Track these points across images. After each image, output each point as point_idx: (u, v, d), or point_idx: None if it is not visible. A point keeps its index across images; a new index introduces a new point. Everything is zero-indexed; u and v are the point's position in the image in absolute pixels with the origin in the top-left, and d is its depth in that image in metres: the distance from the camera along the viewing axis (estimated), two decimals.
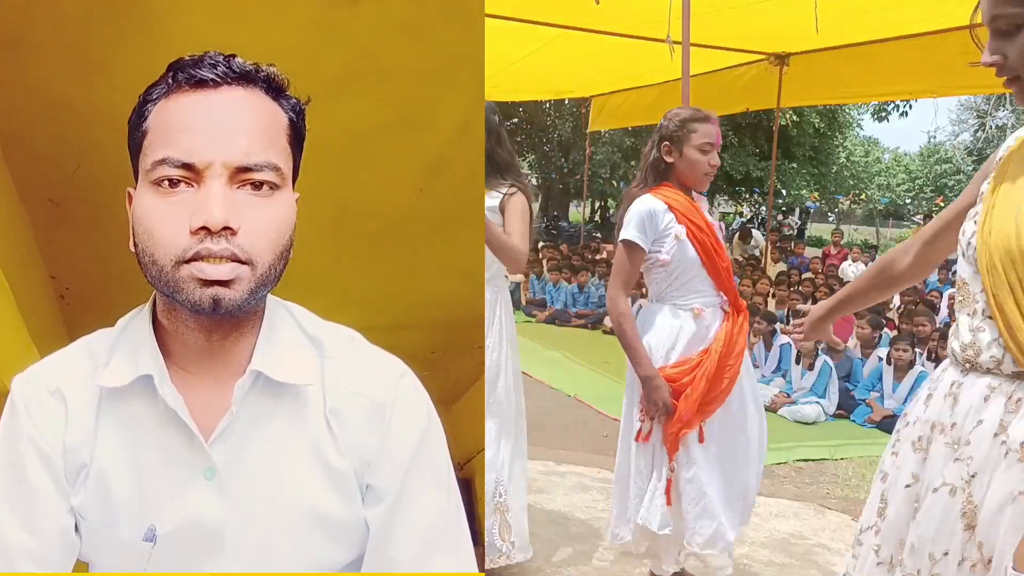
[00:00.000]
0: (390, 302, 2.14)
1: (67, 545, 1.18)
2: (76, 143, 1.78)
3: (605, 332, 8.64)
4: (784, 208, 26.06)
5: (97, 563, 1.22)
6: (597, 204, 23.34)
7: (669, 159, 2.61)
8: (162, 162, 1.10)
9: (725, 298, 2.66)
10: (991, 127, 24.10)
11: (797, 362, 6.19)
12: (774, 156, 10.08)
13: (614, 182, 19.95)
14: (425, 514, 1.26)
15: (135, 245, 1.14)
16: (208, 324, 1.16)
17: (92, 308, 1.77)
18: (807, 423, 5.67)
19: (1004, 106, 21.23)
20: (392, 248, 2.06)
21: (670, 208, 2.57)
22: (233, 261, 1.09)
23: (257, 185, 1.12)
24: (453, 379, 2.38)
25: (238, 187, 1.11)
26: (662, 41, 5.27)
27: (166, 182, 1.10)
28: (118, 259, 1.64)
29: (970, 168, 30.10)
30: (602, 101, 10.97)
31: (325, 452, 1.21)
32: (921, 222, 34.11)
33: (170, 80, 1.14)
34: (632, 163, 18.77)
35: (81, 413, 1.19)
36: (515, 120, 17.49)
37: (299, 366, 1.22)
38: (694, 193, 2.66)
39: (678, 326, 2.60)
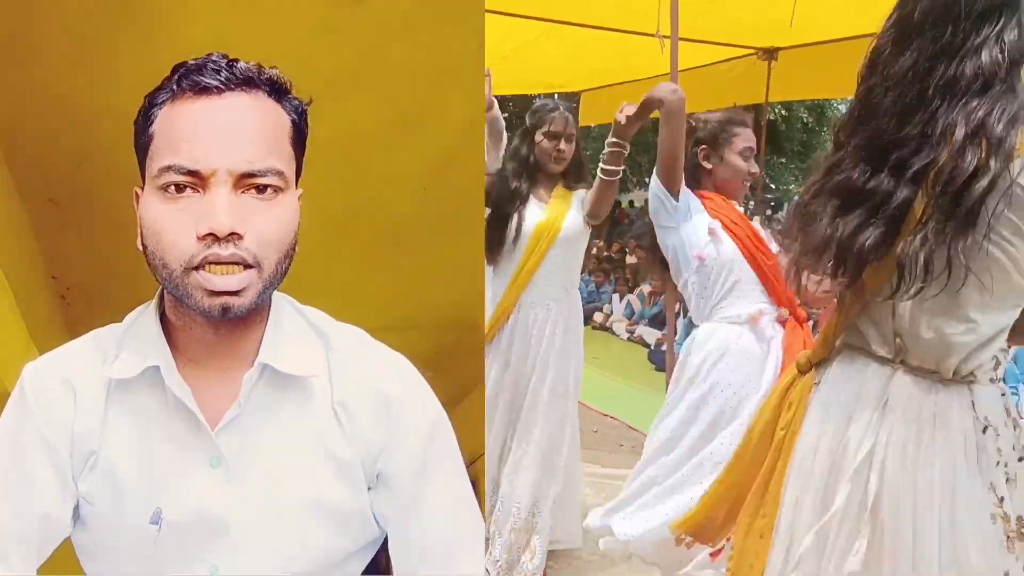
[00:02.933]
0: (394, 302, 2.13)
1: (49, 533, 1.22)
2: (77, 143, 1.78)
3: (594, 328, 8.64)
4: (773, 203, 26.15)
5: (104, 549, 1.25)
6: None
7: (707, 164, 2.41)
8: (168, 169, 1.13)
9: (778, 308, 2.25)
10: None
11: None
12: (762, 151, 10.06)
13: None
14: (449, 503, 1.30)
15: (144, 247, 1.17)
16: (216, 321, 1.19)
17: (93, 308, 1.76)
18: None
19: None
20: (396, 248, 2.06)
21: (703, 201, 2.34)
22: (242, 267, 1.13)
23: (261, 189, 1.15)
24: (456, 380, 2.37)
25: (243, 192, 1.14)
26: (651, 35, 5.26)
27: (172, 187, 1.13)
28: (119, 259, 1.64)
29: None
30: (592, 96, 10.94)
31: (332, 443, 1.24)
32: None
33: (175, 86, 1.17)
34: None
35: (90, 402, 1.22)
36: (505, 115, 17.49)
37: (305, 358, 1.26)
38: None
39: (731, 336, 2.23)
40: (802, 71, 7.86)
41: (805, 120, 19.75)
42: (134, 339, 1.24)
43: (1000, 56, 1.25)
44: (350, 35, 1.69)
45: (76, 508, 1.24)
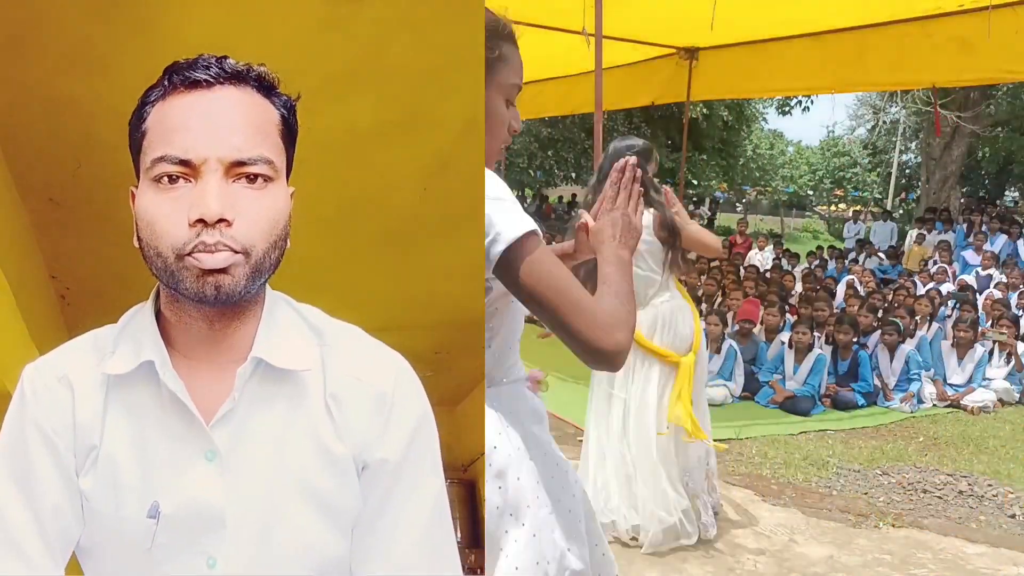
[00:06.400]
0: (394, 302, 2.13)
1: (62, 525, 1.22)
2: (76, 142, 1.77)
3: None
4: (695, 198, 26.70)
5: (101, 546, 1.24)
6: (515, 194, 23.38)
7: None
8: (161, 159, 1.15)
9: None
10: (884, 122, 24.90)
11: (705, 347, 6.35)
12: (684, 148, 10.22)
13: (531, 172, 19.95)
14: (424, 499, 1.31)
15: (139, 240, 1.19)
16: (210, 313, 1.21)
17: (92, 308, 1.76)
18: (715, 404, 5.67)
19: (896, 102, 21.86)
20: (396, 248, 2.06)
21: None
22: (228, 251, 1.15)
23: (251, 178, 1.17)
24: (457, 380, 2.38)
25: (233, 180, 1.16)
26: (577, 33, 5.29)
27: (165, 179, 1.15)
28: (118, 259, 1.64)
29: (866, 161, 31.16)
30: None
31: (324, 437, 1.25)
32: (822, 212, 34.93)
33: (166, 82, 1.19)
34: (549, 152, 18.92)
35: (88, 398, 1.23)
36: None
37: (299, 353, 1.26)
38: None
39: None
40: (721, 71, 7.99)
41: (724, 118, 20.03)
42: (130, 335, 1.25)
43: None
44: (350, 35, 1.69)
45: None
